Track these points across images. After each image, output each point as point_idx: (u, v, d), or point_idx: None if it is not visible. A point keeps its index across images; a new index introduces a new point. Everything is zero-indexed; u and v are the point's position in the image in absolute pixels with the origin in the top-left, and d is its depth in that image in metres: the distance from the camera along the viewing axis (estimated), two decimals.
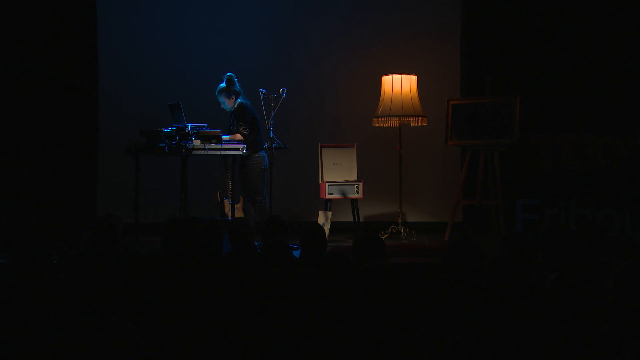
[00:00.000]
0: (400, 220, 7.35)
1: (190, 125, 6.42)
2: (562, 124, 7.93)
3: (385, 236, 7.29)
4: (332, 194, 7.29)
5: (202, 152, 6.46)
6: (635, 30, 7.82)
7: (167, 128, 6.58)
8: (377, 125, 7.54)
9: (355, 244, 4.14)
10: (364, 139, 7.99)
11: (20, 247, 3.82)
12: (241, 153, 6.62)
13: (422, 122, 7.45)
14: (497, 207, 7.33)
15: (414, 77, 7.38)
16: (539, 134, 7.93)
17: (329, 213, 7.18)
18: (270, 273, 3.15)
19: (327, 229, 6.94)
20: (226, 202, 6.87)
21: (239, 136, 6.79)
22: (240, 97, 6.94)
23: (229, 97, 6.90)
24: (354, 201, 7.44)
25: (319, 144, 7.53)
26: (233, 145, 6.61)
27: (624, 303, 2.80)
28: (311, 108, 8.28)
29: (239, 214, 6.84)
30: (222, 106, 6.97)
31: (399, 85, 7.31)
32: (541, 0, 7.98)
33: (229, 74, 6.93)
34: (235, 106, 6.91)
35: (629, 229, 7.42)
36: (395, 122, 7.40)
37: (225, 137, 6.67)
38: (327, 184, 7.29)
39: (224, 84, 6.91)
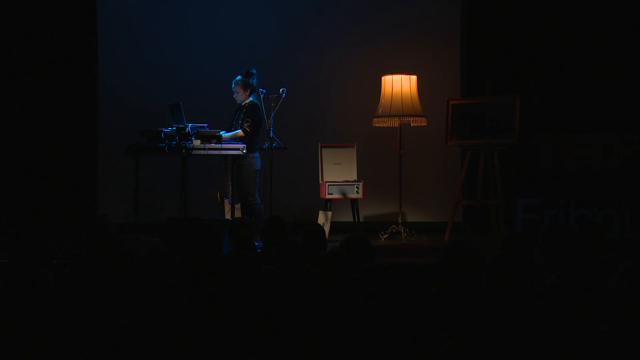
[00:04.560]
0: (400, 220, 7.35)
1: (190, 125, 6.42)
2: (562, 124, 7.93)
3: (385, 236, 7.29)
4: (332, 194, 7.29)
5: (202, 152, 6.45)
6: (635, 30, 7.83)
7: (167, 128, 6.58)
8: (377, 125, 7.54)
9: (342, 246, 4.12)
10: (364, 139, 7.99)
11: (20, 247, 3.82)
12: (241, 153, 6.61)
13: (422, 122, 7.45)
14: (497, 207, 7.33)
15: (414, 77, 7.38)
16: (539, 134, 7.93)
17: (329, 213, 7.17)
18: (270, 273, 3.15)
19: (327, 229, 6.93)
20: (226, 202, 6.87)
21: (240, 133, 6.77)
22: (254, 94, 6.92)
23: (244, 90, 6.87)
24: (354, 201, 7.44)
25: (319, 144, 7.53)
26: (233, 145, 6.61)
27: (624, 303, 2.80)
28: (311, 108, 8.28)
29: (238, 214, 6.84)
30: (233, 95, 6.94)
31: (399, 85, 7.31)
32: (541, 1, 7.98)
33: (253, 69, 6.92)
34: (247, 103, 6.88)
35: (629, 229, 7.42)
36: (395, 122, 7.40)
37: (225, 136, 6.66)
38: (327, 184, 7.29)
39: (243, 76, 6.88)
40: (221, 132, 6.63)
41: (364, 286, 3.22)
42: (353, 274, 3.48)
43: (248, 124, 6.77)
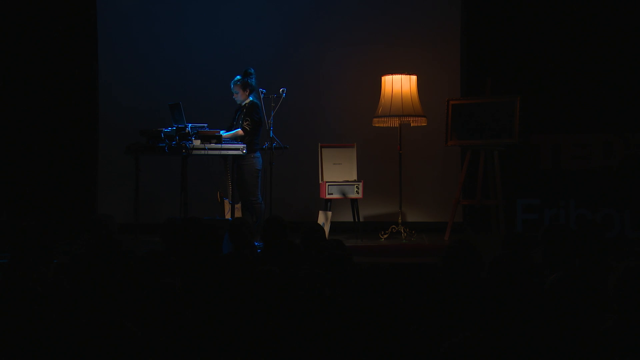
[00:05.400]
0: (400, 220, 7.35)
1: (190, 125, 6.42)
2: (562, 124, 7.93)
3: (385, 236, 7.30)
4: (332, 194, 7.29)
5: (202, 152, 6.46)
6: (635, 30, 7.82)
7: (167, 128, 6.58)
8: (377, 125, 7.54)
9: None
10: (364, 139, 7.99)
11: (20, 247, 3.82)
12: (241, 153, 6.61)
13: (422, 122, 7.45)
14: (497, 207, 7.33)
15: (414, 77, 7.38)
16: (539, 134, 7.93)
17: (329, 213, 7.17)
18: (270, 273, 3.15)
19: (327, 229, 6.93)
20: (226, 202, 6.87)
21: (240, 132, 6.77)
22: (253, 93, 6.92)
23: (244, 90, 6.87)
24: (354, 201, 7.44)
25: (319, 144, 7.54)
26: (233, 145, 6.61)
27: (625, 303, 2.80)
28: (311, 108, 8.28)
29: (238, 214, 6.84)
30: (233, 96, 6.95)
31: (399, 85, 7.31)
32: (541, 1, 7.98)
33: (251, 69, 6.93)
34: (247, 102, 6.88)
35: (629, 229, 7.42)
36: (395, 122, 7.41)
37: (225, 135, 6.66)
38: (327, 184, 7.29)
39: (240, 76, 6.88)
40: (221, 132, 6.63)
41: (363, 286, 3.22)
42: (353, 274, 3.48)
43: (247, 122, 6.77)
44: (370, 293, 3.15)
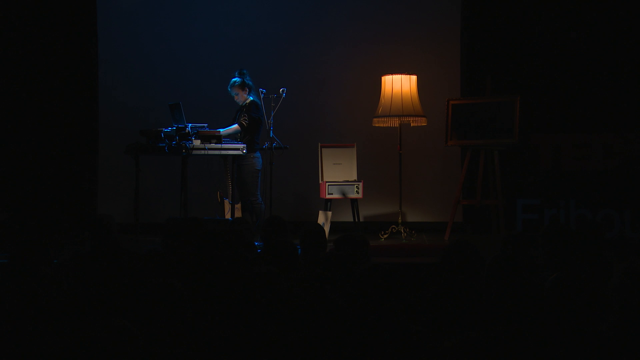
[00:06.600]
0: (400, 220, 7.35)
1: (190, 125, 6.42)
2: (562, 124, 7.93)
3: (385, 236, 7.30)
4: (332, 194, 7.29)
5: (202, 152, 6.46)
6: (635, 30, 7.83)
7: (167, 128, 6.58)
8: (377, 125, 7.54)
9: (336, 245, 4.10)
10: (364, 139, 7.99)
11: (20, 247, 3.82)
12: (241, 153, 6.62)
13: (422, 122, 7.45)
14: (497, 207, 7.33)
15: (414, 77, 7.38)
16: (539, 134, 7.93)
17: (329, 213, 7.18)
18: (270, 273, 3.15)
19: (327, 229, 6.94)
20: (226, 202, 6.87)
21: (237, 127, 6.79)
22: (252, 92, 6.93)
23: (243, 90, 6.90)
24: (354, 201, 7.44)
25: (319, 144, 7.54)
26: (233, 145, 6.61)
27: (624, 303, 2.80)
28: (311, 108, 8.28)
29: (238, 214, 6.84)
30: (234, 99, 6.97)
31: (399, 85, 7.31)
32: (541, 1, 7.98)
33: (244, 70, 6.95)
34: (247, 102, 6.90)
35: (629, 229, 7.42)
36: (395, 122, 7.40)
37: (223, 131, 6.66)
38: (327, 184, 7.29)
39: (237, 78, 6.91)
40: (219, 130, 6.65)
41: (363, 286, 3.22)
42: (352, 274, 3.48)
43: (244, 118, 6.80)
44: (370, 293, 3.15)
